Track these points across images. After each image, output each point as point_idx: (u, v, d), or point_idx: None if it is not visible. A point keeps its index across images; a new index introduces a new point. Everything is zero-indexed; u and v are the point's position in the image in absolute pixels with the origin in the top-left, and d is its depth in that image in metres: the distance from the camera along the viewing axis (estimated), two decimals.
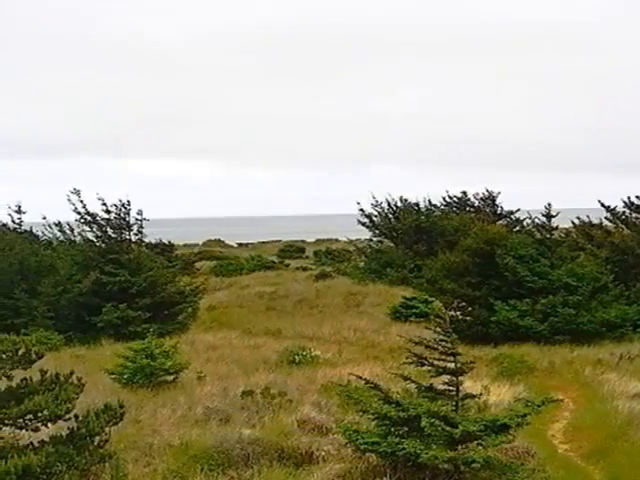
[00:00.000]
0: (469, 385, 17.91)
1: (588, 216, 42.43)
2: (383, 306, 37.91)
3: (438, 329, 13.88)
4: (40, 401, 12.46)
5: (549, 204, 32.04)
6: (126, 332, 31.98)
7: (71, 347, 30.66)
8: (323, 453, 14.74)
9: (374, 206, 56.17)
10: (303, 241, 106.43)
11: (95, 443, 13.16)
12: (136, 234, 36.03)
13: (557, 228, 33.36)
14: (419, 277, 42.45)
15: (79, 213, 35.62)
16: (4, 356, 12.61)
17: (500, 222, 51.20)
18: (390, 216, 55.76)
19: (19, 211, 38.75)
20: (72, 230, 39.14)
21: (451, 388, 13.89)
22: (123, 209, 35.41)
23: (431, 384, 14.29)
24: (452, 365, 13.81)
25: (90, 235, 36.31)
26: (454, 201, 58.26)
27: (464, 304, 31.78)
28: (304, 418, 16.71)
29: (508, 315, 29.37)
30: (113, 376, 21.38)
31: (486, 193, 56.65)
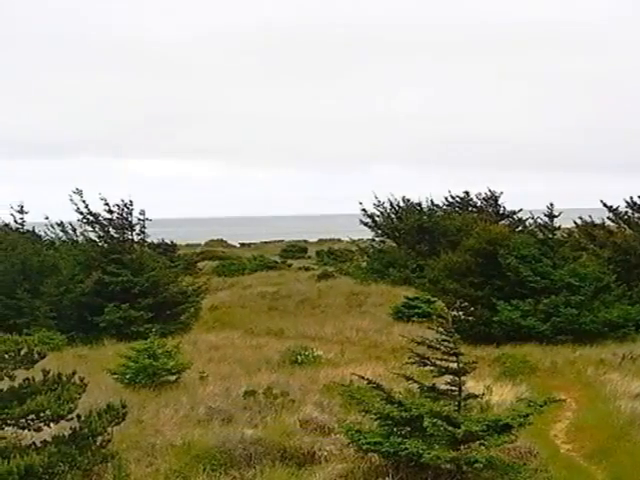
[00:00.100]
0: (471, 385, 17.91)
1: (590, 216, 42.44)
2: (385, 306, 37.92)
3: (440, 329, 13.87)
4: (42, 401, 12.46)
5: (551, 204, 32.08)
6: (128, 332, 32.01)
7: (73, 347, 30.68)
8: (325, 453, 14.74)
9: (376, 206, 56.17)
10: (305, 241, 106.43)
11: (97, 443, 13.15)
12: (138, 234, 36.08)
13: (559, 228, 33.30)
14: (421, 277, 42.46)
15: (81, 213, 35.68)
16: (6, 356, 12.61)
17: (502, 222, 51.15)
18: (392, 216, 55.74)
19: (21, 211, 38.77)
20: (74, 230, 39.17)
21: (453, 388, 13.88)
22: (125, 209, 35.44)
23: (433, 384, 14.28)
24: (454, 365, 13.80)
25: (92, 235, 36.37)
26: (456, 201, 58.24)
27: (466, 304, 31.78)
28: (306, 418, 16.70)
29: (510, 315, 29.37)
30: (115, 376, 21.38)
31: (488, 193, 56.66)
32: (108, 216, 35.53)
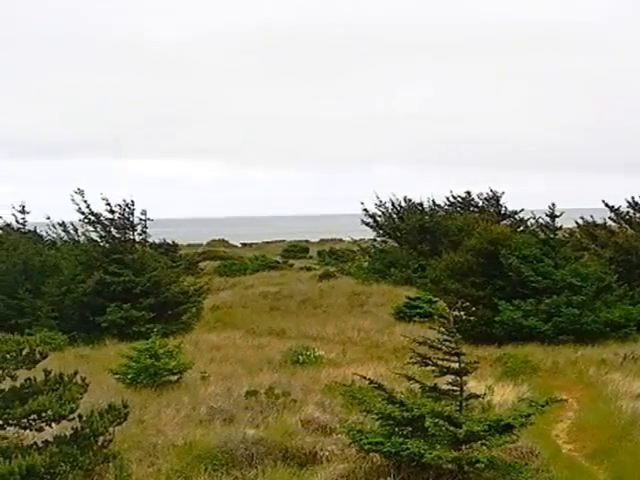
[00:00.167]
0: (473, 385, 17.90)
1: (592, 216, 42.48)
2: (387, 306, 37.91)
3: (442, 329, 13.88)
4: (44, 401, 12.47)
5: (553, 204, 32.06)
6: (130, 332, 32.01)
7: (75, 347, 30.69)
8: (327, 453, 14.74)
9: (378, 206, 56.18)
10: (307, 241, 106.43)
11: (99, 443, 13.16)
12: (140, 234, 36.10)
13: (561, 228, 33.33)
14: (423, 277, 42.42)
15: (83, 213, 35.67)
16: (8, 356, 12.61)
17: (504, 222, 51.11)
18: (394, 216, 55.76)
19: (23, 211, 38.76)
20: (76, 230, 39.15)
21: (455, 388, 13.88)
22: (127, 209, 35.45)
23: (435, 384, 14.28)
24: (456, 365, 13.80)
25: (94, 235, 36.36)
26: (458, 201, 58.22)
27: (468, 304, 31.79)
28: (308, 418, 16.71)
29: (512, 315, 29.36)
30: (117, 376, 21.38)
31: (490, 193, 56.61)
32: (110, 216, 35.53)
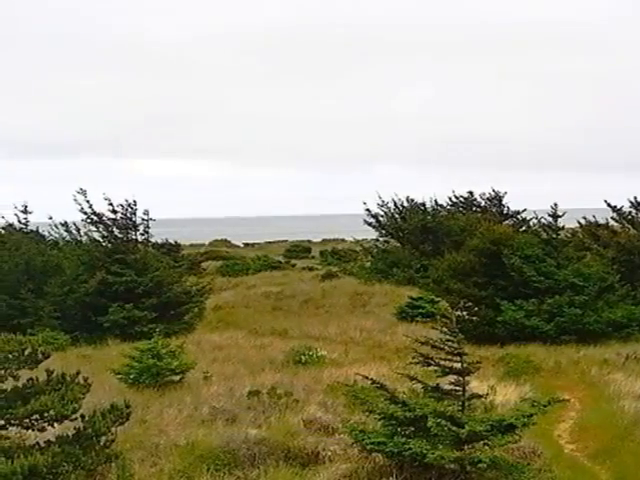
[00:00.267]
0: (475, 385, 17.89)
1: (594, 216, 42.41)
2: (389, 306, 37.90)
3: (444, 329, 13.88)
4: (46, 401, 12.48)
5: (555, 204, 32.04)
6: (132, 332, 32.01)
7: (77, 347, 30.69)
8: (329, 453, 14.74)
9: (380, 206, 56.18)
10: (309, 241, 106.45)
11: (101, 443, 13.17)
12: (142, 234, 36.10)
13: (563, 228, 33.31)
14: (425, 277, 42.40)
15: (85, 213, 35.67)
16: (10, 356, 12.63)
17: (506, 222, 51.11)
18: (396, 216, 55.73)
19: (25, 211, 38.76)
20: (78, 230, 39.16)
21: (457, 388, 13.89)
22: (129, 209, 35.45)
23: (437, 384, 14.29)
24: (458, 365, 13.80)
25: (96, 235, 36.35)
26: (460, 201, 58.18)
27: (470, 304, 31.77)
28: (310, 418, 16.71)
29: (514, 315, 29.35)
30: (119, 376, 21.38)
31: (492, 193, 56.59)
32: (112, 216, 35.53)
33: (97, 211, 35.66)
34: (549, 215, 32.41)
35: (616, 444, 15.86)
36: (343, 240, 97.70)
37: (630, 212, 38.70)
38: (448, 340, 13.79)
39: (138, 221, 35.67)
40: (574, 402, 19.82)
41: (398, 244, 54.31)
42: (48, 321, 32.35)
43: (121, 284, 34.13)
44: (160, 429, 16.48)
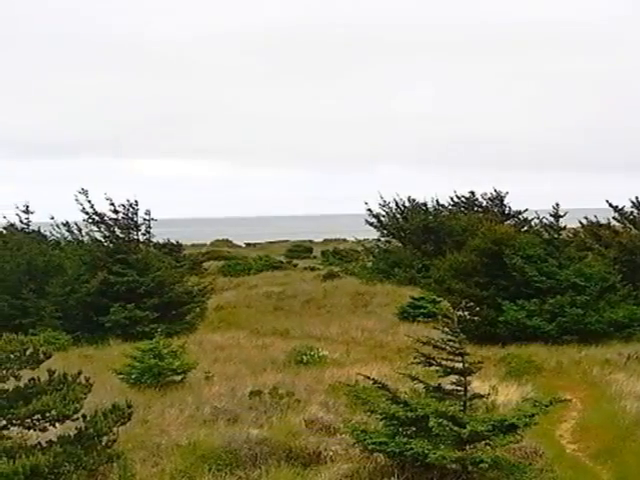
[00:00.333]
0: (477, 385, 17.90)
1: (596, 216, 42.42)
2: (391, 306, 37.89)
3: (446, 329, 13.88)
4: (48, 401, 12.49)
5: (557, 204, 32.03)
6: (134, 332, 31.98)
7: (79, 347, 30.69)
8: (331, 453, 14.75)
9: (382, 206, 56.19)
10: (311, 241, 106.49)
11: (103, 443, 13.18)
12: (144, 234, 36.08)
13: (565, 228, 33.30)
14: (427, 277, 42.36)
15: (87, 213, 35.66)
16: (12, 356, 12.64)
17: (508, 222, 51.08)
18: (398, 216, 55.74)
19: (27, 211, 38.81)
20: (80, 230, 39.16)
21: (459, 388, 13.89)
22: (131, 209, 35.44)
23: (439, 384, 14.29)
24: (460, 365, 13.80)
25: (98, 235, 36.34)
26: (462, 201, 58.14)
27: (472, 304, 31.73)
28: (312, 418, 16.71)
29: (516, 315, 29.33)
30: (121, 376, 21.39)
31: (494, 193, 56.56)
32: (114, 216, 35.52)
33: (99, 211, 35.69)
34: (550, 215, 32.41)
35: (618, 444, 15.86)
36: (345, 240, 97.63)
37: (632, 212, 38.68)
38: (450, 340, 13.79)
39: (140, 221, 35.68)
40: (576, 402, 19.81)
41: (400, 244, 54.31)
42: (50, 321, 32.35)
43: (123, 284, 34.12)
44: (162, 429, 16.49)
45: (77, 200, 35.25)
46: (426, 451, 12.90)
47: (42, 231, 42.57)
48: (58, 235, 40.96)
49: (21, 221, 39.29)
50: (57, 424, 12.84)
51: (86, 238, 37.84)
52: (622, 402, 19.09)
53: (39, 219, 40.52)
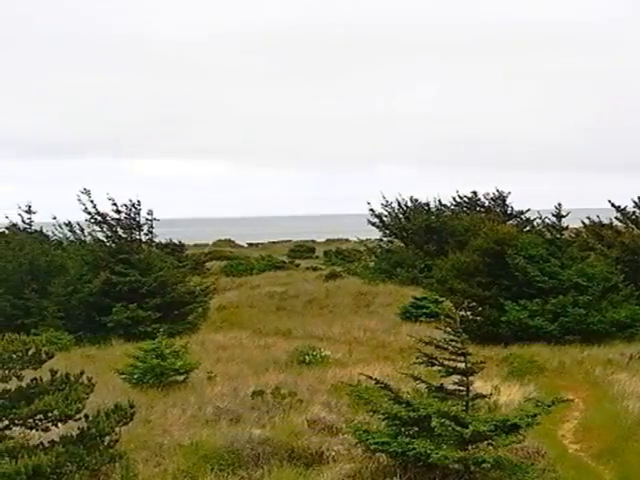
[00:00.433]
0: (479, 385, 17.90)
1: (598, 216, 42.40)
2: (393, 306, 37.89)
3: (448, 329, 13.88)
4: (50, 401, 12.49)
5: (559, 204, 32.05)
6: (136, 332, 32.01)
7: (81, 347, 30.71)
8: (333, 453, 14.74)
9: (384, 206, 56.18)
10: (313, 241, 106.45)
11: (105, 443, 13.17)
12: (146, 234, 36.10)
13: (567, 228, 33.26)
14: (429, 277, 42.35)
15: (89, 213, 35.68)
16: (14, 356, 12.64)
17: (510, 222, 51.05)
18: (400, 216, 55.74)
19: (29, 211, 38.83)
20: (82, 230, 39.19)
21: (461, 388, 13.88)
22: (133, 209, 35.46)
23: (441, 384, 14.28)
24: (462, 365, 13.80)
25: (100, 235, 36.37)
26: (464, 201, 58.10)
27: (474, 304, 31.72)
28: (314, 418, 16.71)
29: (518, 315, 29.33)
30: (123, 376, 21.40)
31: (496, 193, 56.53)
32: (116, 216, 35.55)
33: (101, 211, 35.71)
34: (553, 215, 32.40)
35: (620, 444, 15.85)
36: (347, 240, 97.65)
37: (634, 212, 38.65)
38: (452, 340, 13.79)
39: (142, 221, 35.70)
40: (578, 402, 19.81)
41: (402, 244, 54.32)
42: (52, 321, 32.37)
43: (125, 284, 34.15)
44: (164, 429, 16.48)
45: (79, 200, 35.34)
46: (428, 451, 12.89)
47: (44, 231, 42.60)
48: (60, 235, 41.04)
49: (23, 221, 39.31)
50: (59, 424, 12.84)
51: (88, 238, 37.89)
52: (624, 402, 19.08)
53: (41, 219, 40.56)
